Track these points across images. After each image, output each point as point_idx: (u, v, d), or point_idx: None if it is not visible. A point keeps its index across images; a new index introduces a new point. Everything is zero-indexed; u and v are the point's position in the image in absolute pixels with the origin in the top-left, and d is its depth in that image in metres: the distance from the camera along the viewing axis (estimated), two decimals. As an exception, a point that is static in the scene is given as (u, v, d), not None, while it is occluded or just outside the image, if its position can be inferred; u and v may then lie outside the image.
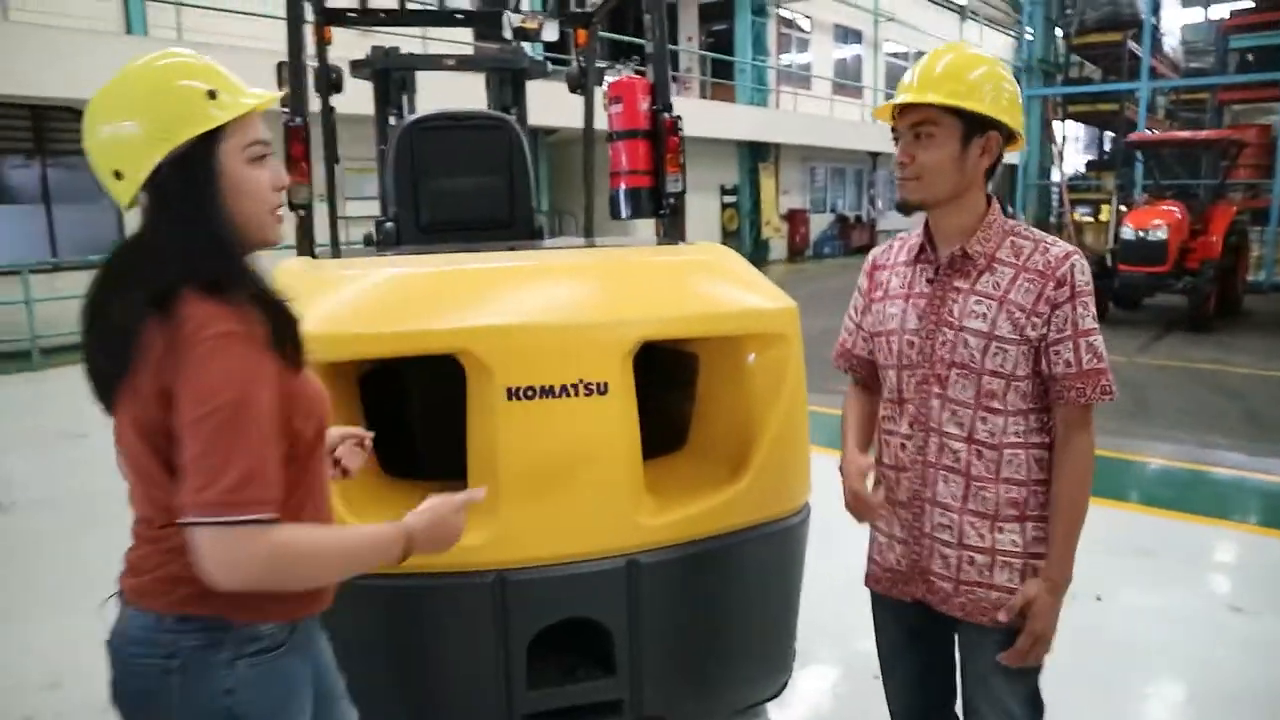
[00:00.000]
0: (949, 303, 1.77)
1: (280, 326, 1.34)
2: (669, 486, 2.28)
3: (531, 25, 4.21)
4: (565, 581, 2.07)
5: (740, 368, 2.35)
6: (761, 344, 2.32)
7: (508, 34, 4.04)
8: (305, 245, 2.88)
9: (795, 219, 23.01)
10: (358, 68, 4.68)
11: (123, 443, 1.34)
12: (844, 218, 25.33)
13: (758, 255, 21.97)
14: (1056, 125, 17.73)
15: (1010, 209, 24.88)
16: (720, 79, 20.94)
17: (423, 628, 2.07)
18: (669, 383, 2.61)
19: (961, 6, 30.36)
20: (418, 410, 2.53)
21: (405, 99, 5.08)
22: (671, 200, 3.14)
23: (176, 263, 1.29)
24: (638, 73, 3.34)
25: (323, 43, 4.01)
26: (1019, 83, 11.75)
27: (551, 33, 4.07)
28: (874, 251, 2.02)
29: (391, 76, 4.81)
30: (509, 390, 1.99)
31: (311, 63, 4.10)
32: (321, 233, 3.18)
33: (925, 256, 1.83)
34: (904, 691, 2.00)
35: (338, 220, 4.31)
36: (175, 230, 1.31)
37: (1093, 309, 1.71)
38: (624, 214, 3.20)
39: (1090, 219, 16.54)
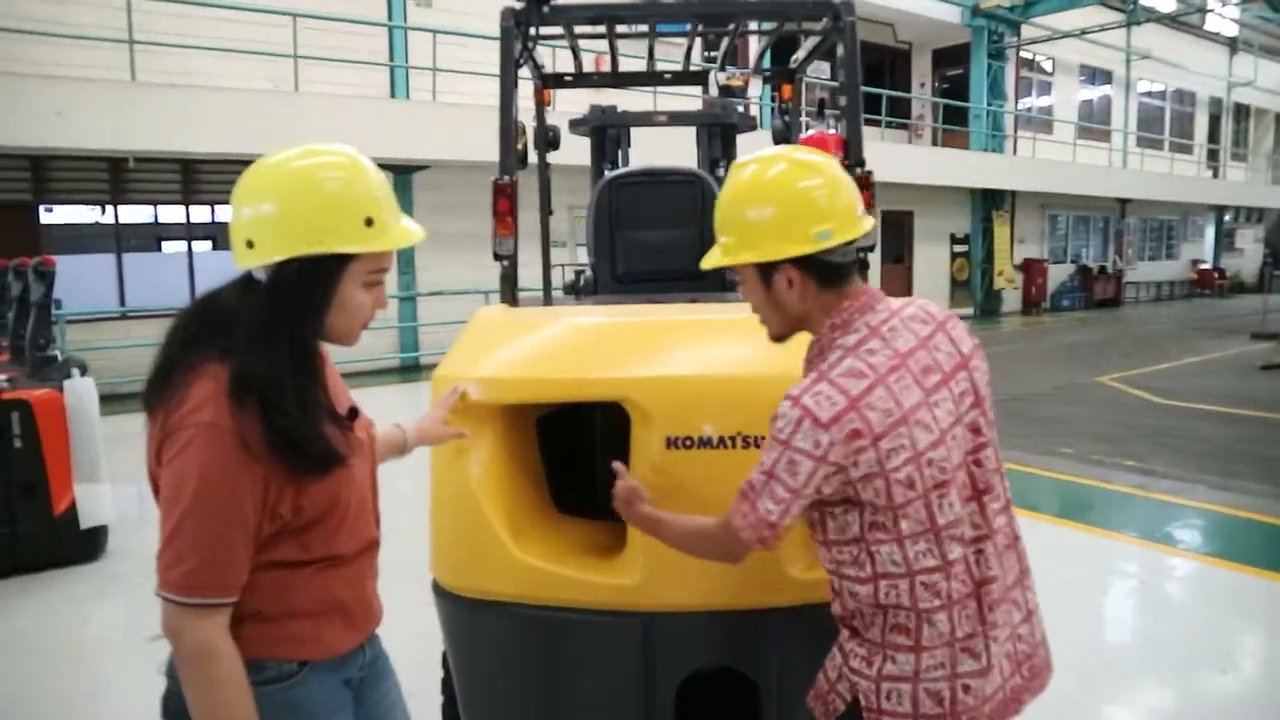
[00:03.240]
0: None
1: (280, 439, 1.37)
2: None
3: (737, 82, 4.34)
4: (713, 630, 2.11)
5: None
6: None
7: (714, 91, 4.18)
8: (508, 293, 3.11)
9: (1031, 269, 21.79)
10: (575, 125, 4.98)
11: (150, 473, 1.44)
12: (1086, 268, 23.70)
13: (989, 307, 20.98)
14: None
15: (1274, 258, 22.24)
16: (955, 125, 20.32)
17: (569, 662, 2.16)
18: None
19: (1231, 38, 27.74)
20: (591, 451, 2.65)
21: (620, 153, 5.34)
22: (862, 254, 3.13)
23: (245, 338, 1.38)
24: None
25: (541, 104, 4.31)
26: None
27: (756, 89, 4.16)
28: None
29: (607, 133, 5.07)
30: (668, 439, 2.07)
31: (532, 122, 4.42)
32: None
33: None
34: None
35: (550, 269, 4.59)
36: (268, 315, 1.39)
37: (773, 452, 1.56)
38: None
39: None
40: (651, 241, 3.37)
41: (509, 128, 3.19)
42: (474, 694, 2.28)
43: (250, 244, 1.40)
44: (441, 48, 12.14)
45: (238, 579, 1.40)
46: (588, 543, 2.33)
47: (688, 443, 2.06)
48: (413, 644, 2.36)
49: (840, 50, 3.09)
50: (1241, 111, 30.06)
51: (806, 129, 3.22)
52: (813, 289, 1.62)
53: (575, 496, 2.66)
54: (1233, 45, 28.04)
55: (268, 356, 1.38)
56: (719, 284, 3.48)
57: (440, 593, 2.29)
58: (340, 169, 1.46)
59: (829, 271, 1.61)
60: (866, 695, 1.61)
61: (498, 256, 3.08)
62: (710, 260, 1.71)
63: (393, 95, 12.68)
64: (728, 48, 4.10)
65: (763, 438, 2.07)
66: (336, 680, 1.59)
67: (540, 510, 2.40)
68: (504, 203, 3.10)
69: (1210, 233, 29.21)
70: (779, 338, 1.76)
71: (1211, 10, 25.15)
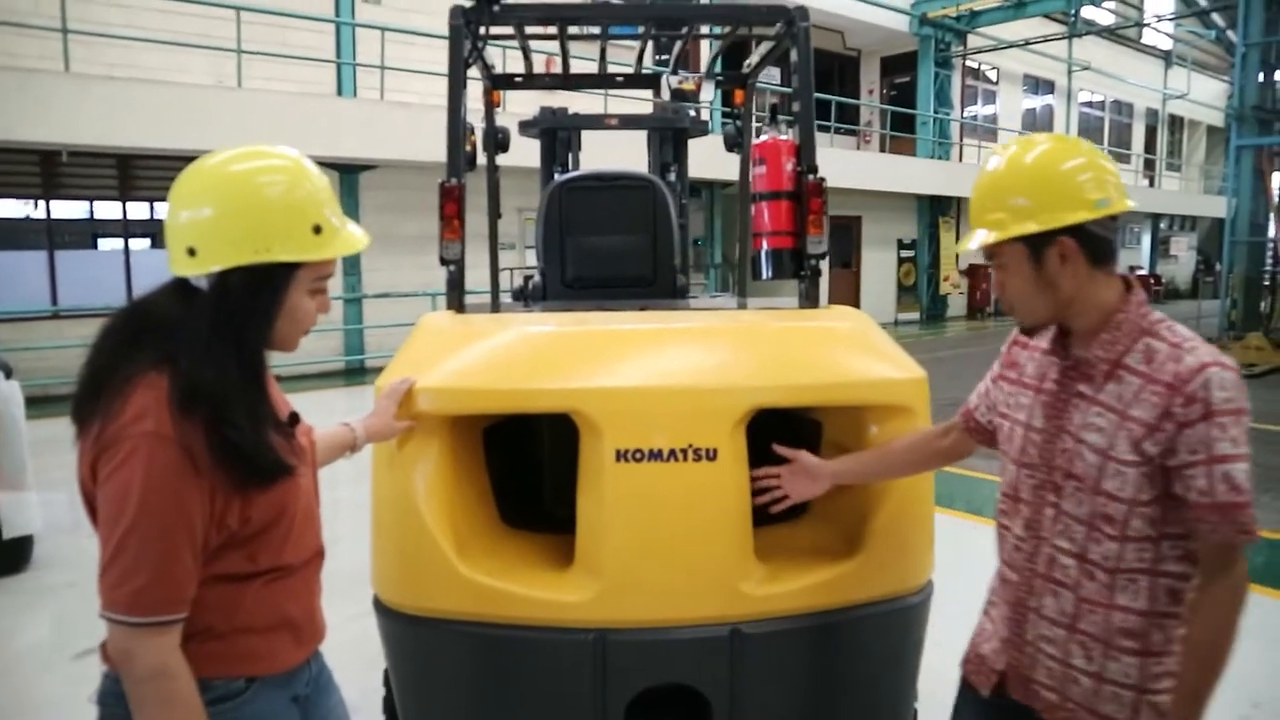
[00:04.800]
0: (1070, 408, 1.61)
1: (230, 451, 1.34)
2: (782, 556, 2.24)
3: (689, 86, 4.31)
4: (666, 646, 2.06)
5: (863, 438, 2.29)
6: (884, 415, 2.25)
7: (666, 95, 4.15)
8: (455, 299, 3.03)
9: (977, 275, 22.15)
10: (525, 127, 4.91)
11: (83, 488, 1.38)
12: (1030, 274, 24.14)
13: (935, 311, 21.30)
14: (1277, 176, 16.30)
15: (1216, 266, 23.02)
16: (902, 132, 20.60)
17: (517, 681, 2.11)
18: (795, 448, 2.56)
19: (1166, 52, 28.58)
20: (539, 464, 2.60)
21: (570, 156, 5.29)
22: (813, 262, 3.11)
23: (191, 349, 1.33)
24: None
25: (490, 105, 4.24)
26: (1234, 132, 10.87)
27: (708, 94, 4.14)
28: None
29: (558, 135, 5.01)
30: (618, 452, 2.02)
31: (482, 123, 4.35)
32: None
33: (1057, 349, 1.68)
34: None
35: (498, 272, 4.52)
36: (215, 325, 1.35)
37: (1234, 431, 1.45)
38: (765, 275, 3.19)
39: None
40: (602, 247, 3.32)
41: (458, 129, 3.12)
42: (417, 714, 2.21)
43: (192, 251, 1.35)
44: (390, 46, 11.96)
45: (187, 593, 1.35)
46: (536, 558, 2.27)
47: (638, 455, 2.01)
48: (354, 659, 2.29)
49: (794, 56, 3.07)
50: (1176, 123, 30.94)
51: (759, 135, 3.19)
52: (1084, 266, 1.55)
53: (524, 510, 2.60)
54: (1168, 59, 28.86)
55: (216, 368, 1.34)
56: (670, 290, 3.44)
57: (382, 609, 2.21)
58: (284, 173, 1.42)
59: (1102, 247, 1.56)
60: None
61: (444, 261, 3.01)
62: (977, 240, 1.60)
63: (340, 93, 12.45)
64: (679, 52, 4.07)
65: (715, 450, 2.05)
66: (284, 697, 1.54)
67: (486, 524, 2.34)
68: (452, 206, 3.03)
69: (1147, 240, 29.98)
70: (1034, 328, 1.66)
71: (1148, 25, 25.85)
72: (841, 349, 2.29)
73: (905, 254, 20.99)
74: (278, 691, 1.52)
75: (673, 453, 2.02)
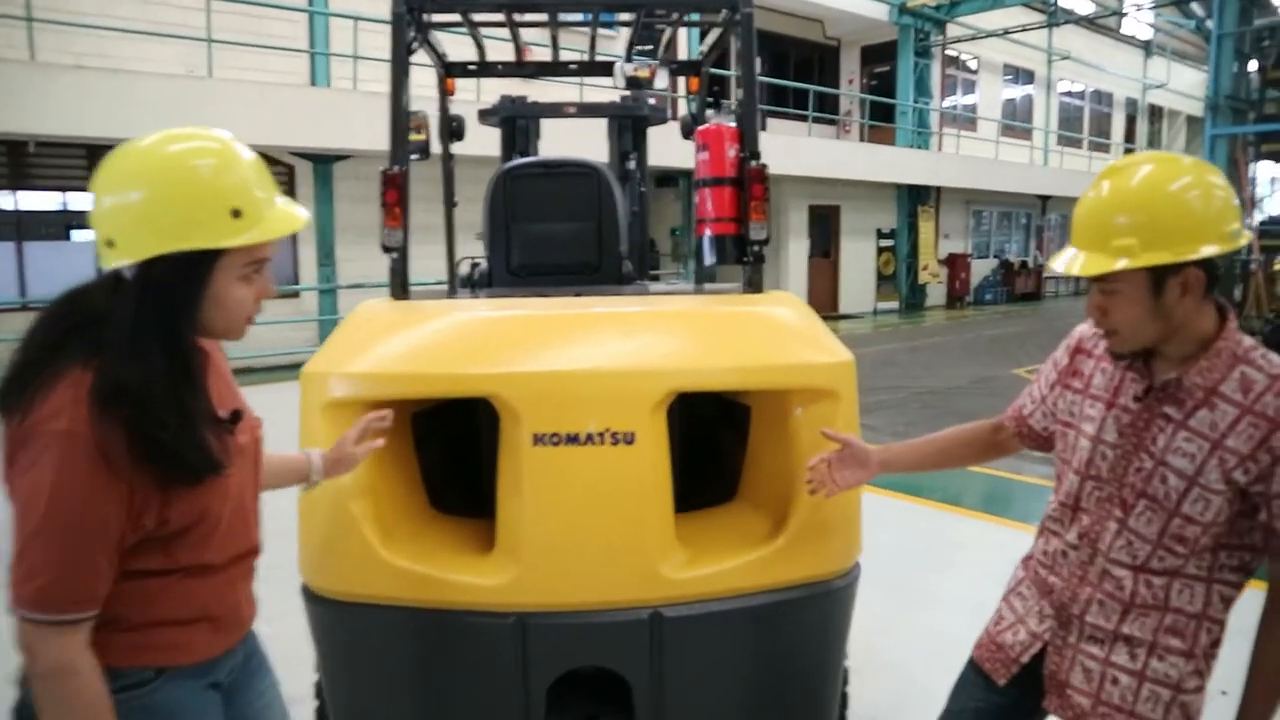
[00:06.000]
0: (1154, 430, 1.58)
1: (152, 449, 1.31)
2: (707, 539, 2.25)
3: (644, 74, 4.30)
4: (586, 629, 2.08)
5: (788, 422, 2.30)
6: (809, 398, 2.26)
7: (620, 82, 4.14)
8: (397, 287, 3.03)
9: (956, 264, 22.23)
10: (484, 116, 4.90)
11: (5, 478, 1.35)
12: (1008, 263, 24.28)
13: (914, 301, 21.37)
14: (1261, 165, 16.43)
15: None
16: (882, 121, 20.63)
17: (444, 661, 2.12)
18: (723, 434, 2.58)
19: (1146, 42, 28.68)
20: (466, 449, 2.61)
21: (531, 145, 5.28)
22: (756, 248, 3.12)
23: (115, 343, 1.30)
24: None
25: (444, 93, 4.24)
26: (1209, 122, 10.89)
27: (663, 81, 4.14)
28: (1081, 330, 1.81)
29: (517, 124, 5.00)
30: (535, 436, 2.03)
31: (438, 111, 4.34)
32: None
33: (1138, 368, 1.63)
34: None
35: (455, 261, 4.51)
36: (139, 318, 1.32)
37: None
38: (708, 261, 3.20)
39: (1291, 269, 15.15)
40: (546, 234, 3.32)
41: (399, 116, 3.11)
42: (342, 698, 2.22)
43: (110, 242, 1.32)
44: (363, 35, 11.89)
45: (97, 592, 1.33)
46: (464, 542, 2.28)
47: (555, 439, 2.02)
48: (302, 647, 2.30)
49: (738, 42, 3.08)
50: (1155, 113, 31.07)
51: (727, 117, 3.20)
52: (1199, 298, 1.51)
53: (459, 495, 2.61)
54: (1147, 49, 28.97)
55: (141, 363, 1.31)
56: (616, 277, 3.45)
57: (309, 596, 2.22)
58: (210, 155, 1.37)
59: (1217, 278, 1.53)
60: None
61: (386, 249, 3.01)
62: (1102, 265, 1.50)
63: (313, 83, 12.38)
64: (632, 38, 4.06)
65: (633, 434, 2.06)
66: (200, 685, 1.53)
67: (414, 509, 2.35)
68: (392, 193, 3.03)
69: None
70: (1131, 355, 1.62)
71: (1127, 14, 25.93)
72: (766, 333, 2.30)
73: (884, 243, 21.04)
74: (193, 680, 1.51)
75: (590, 436, 2.03)
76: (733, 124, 3.22)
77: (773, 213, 20.11)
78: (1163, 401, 1.58)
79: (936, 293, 22.16)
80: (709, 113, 3.97)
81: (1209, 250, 1.46)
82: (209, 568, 1.49)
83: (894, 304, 21.04)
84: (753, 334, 2.29)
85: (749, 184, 3.10)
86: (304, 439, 2.16)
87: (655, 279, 6.77)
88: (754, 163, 3.09)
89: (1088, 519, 1.68)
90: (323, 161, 12.17)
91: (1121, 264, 1.48)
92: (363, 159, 12.23)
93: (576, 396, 2.04)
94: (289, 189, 12.45)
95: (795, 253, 18.78)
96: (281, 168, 12.26)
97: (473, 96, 10.84)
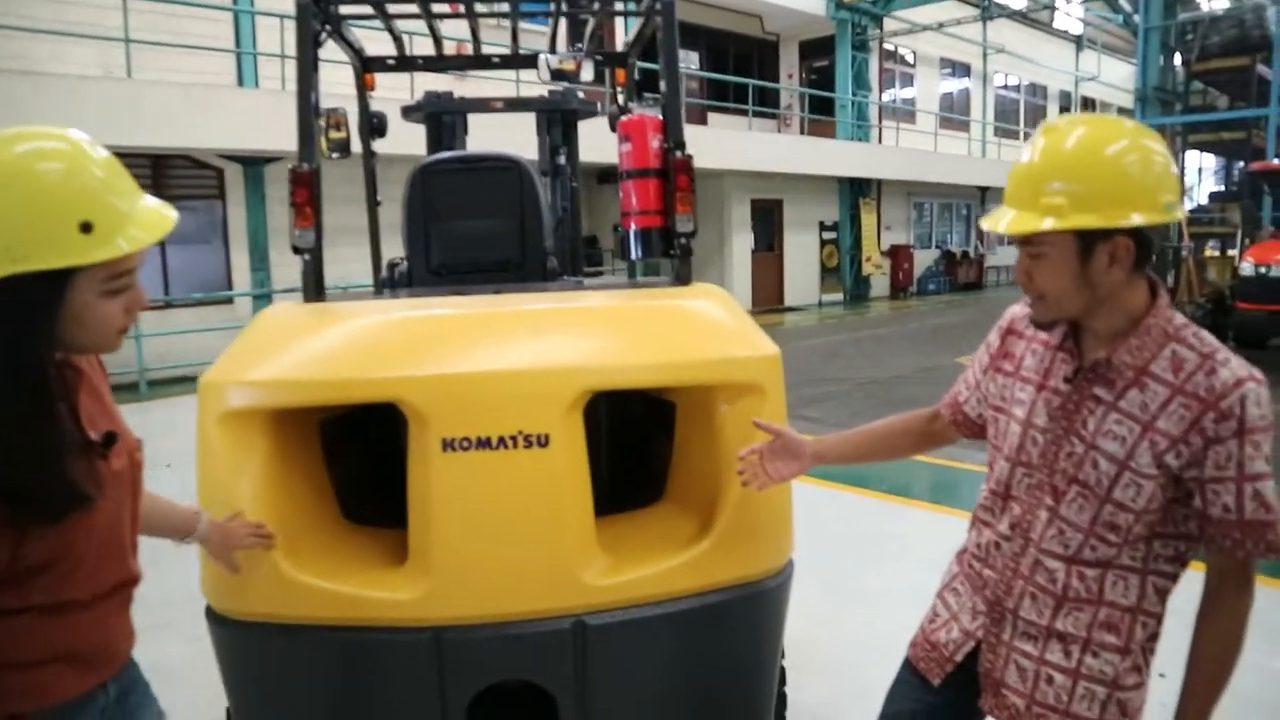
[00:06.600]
0: (1084, 412, 1.52)
1: (3, 486, 1.20)
2: (632, 543, 2.17)
3: (569, 66, 4.20)
4: (505, 642, 1.98)
5: (713, 419, 2.22)
6: (733, 394, 2.19)
7: (545, 75, 4.04)
8: (310, 289, 2.90)
9: (898, 255, 22.48)
10: (408, 112, 4.77)
11: None
12: (950, 253, 24.61)
13: (858, 292, 21.54)
14: (1189, 155, 16.90)
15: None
16: (822, 115, 20.76)
17: (357, 682, 2.01)
18: (651, 433, 2.50)
19: (1077, 36, 29.32)
20: (384, 457, 2.49)
21: (457, 142, 5.16)
22: (683, 241, 3.05)
23: None
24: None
25: (363, 89, 4.11)
26: (1138, 113, 11.09)
27: (589, 73, 4.05)
28: (1013, 310, 1.75)
29: (443, 120, 4.88)
30: (444, 441, 1.93)
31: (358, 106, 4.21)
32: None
33: (1068, 347, 1.58)
34: None
35: (379, 261, 4.37)
36: None
37: (1267, 449, 1.41)
38: (634, 254, 3.12)
39: (1217, 254, 15.54)
40: (466, 231, 3.21)
41: (306, 112, 2.99)
42: (250, 724, 2.10)
43: None
44: (292, 33, 11.59)
45: None
46: (377, 555, 2.17)
47: (465, 444, 1.92)
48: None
49: (660, 33, 3.00)
50: (1088, 105, 31.75)
51: (651, 110, 3.12)
52: (1127, 269, 1.44)
53: (377, 505, 2.49)
54: (1079, 42, 29.60)
55: None
56: (541, 273, 3.35)
57: (211, 616, 2.09)
58: (53, 158, 1.20)
59: (1148, 251, 1.45)
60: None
61: (296, 250, 2.88)
62: (1029, 224, 1.43)
63: (240, 83, 12.05)
64: (554, 29, 3.97)
65: (546, 436, 1.96)
66: None
67: (323, 522, 2.23)
68: (302, 192, 2.91)
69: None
70: (1052, 324, 1.56)
71: (1058, 8, 26.46)
72: (687, 328, 2.23)
73: (828, 236, 21.18)
74: None
75: (501, 440, 1.93)
76: (658, 115, 3.14)
77: (715, 207, 20.24)
78: (1093, 382, 1.53)
79: (880, 284, 22.37)
80: (631, 104, 3.90)
81: (1139, 218, 1.39)
82: (72, 604, 1.35)
83: (839, 296, 21.20)
84: (672, 329, 2.21)
85: (674, 175, 3.02)
86: (200, 452, 2.04)
87: (595, 275, 6.69)
88: (679, 153, 3.02)
89: (1019, 508, 1.62)
90: (253, 164, 11.85)
91: (1048, 224, 1.41)
92: (294, 160, 11.92)
93: (485, 399, 1.94)
94: (218, 192, 12.12)
95: (739, 247, 18.81)
96: (210, 171, 11.93)
97: (406, 95, 10.65)
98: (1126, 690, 1.56)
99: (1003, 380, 1.70)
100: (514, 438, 1.93)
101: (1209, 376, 1.42)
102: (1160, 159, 1.43)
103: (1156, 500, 1.47)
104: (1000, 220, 1.48)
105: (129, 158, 11.05)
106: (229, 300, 12.07)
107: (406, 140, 4.94)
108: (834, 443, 1.99)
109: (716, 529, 2.13)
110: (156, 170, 11.58)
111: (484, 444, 1.93)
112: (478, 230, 3.23)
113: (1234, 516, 1.43)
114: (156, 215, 1.29)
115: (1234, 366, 1.43)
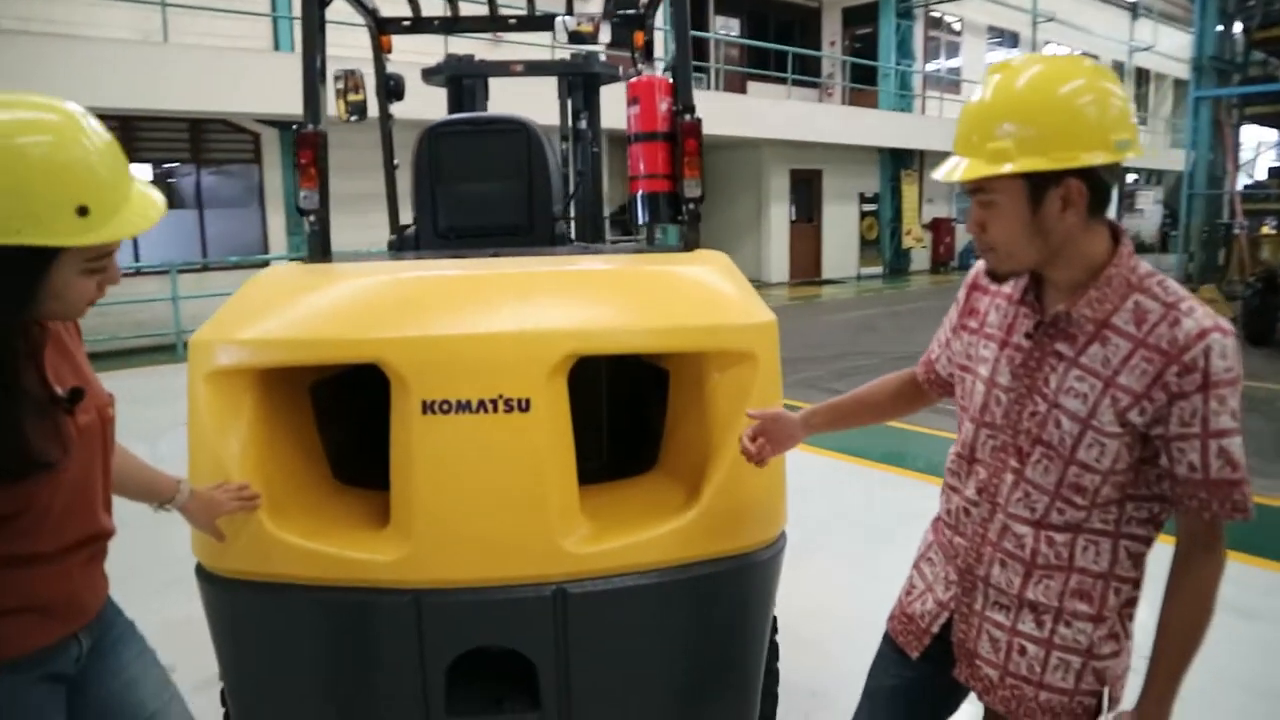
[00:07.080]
0: (1045, 369, 1.46)
1: None
2: (618, 511, 2.14)
3: (587, 29, 4.13)
4: (485, 607, 1.96)
5: (705, 386, 2.18)
6: (727, 361, 2.14)
7: (562, 38, 3.98)
8: (316, 251, 2.90)
9: (940, 228, 22.09)
10: (428, 75, 4.74)
11: None
12: (993, 227, 24.13)
13: (898, 265, 21.25)
14: (1247, 129, 16.27)
15: (1173, 219, 22.98)
16: (864, 85, 20.37)
17: (339, 642, 2.02)
18: (646, 400, 2.46)
19: (1133, 3, 28.39)
20: (375, 418, 2.49)
21: (477, 106, 5.12)
22: (691, 206, 2.99)
23: None
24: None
25: (379, 50, 4.09)
26: (1193, 84, 10.71)
27: (607, 35, 3.98)
28: (980, 265, 1.63)
29: (463, 84, 4.83)
30: (424, 403, 1.90)
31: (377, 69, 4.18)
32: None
33: (1029, 301, 1.51)
34: None
35: (398, 224, 4.36)
36: None
37: (1233, 404, 1.34)
38: (641, 219, 3.07)
39: (1275, 232, 15.03)
40: (474, 194, 3.18)
41: (312, 74, 2.98)
42: (235, 681, 2.11)
43: None
44: (328, -3, 11.59)
45: None
46: (364, 516, 2.16)
47: (445, 407, 1.90)
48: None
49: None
50: (1142, 76, 30.82)
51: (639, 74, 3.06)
52: (1082, 214, 1.37)
53: (368, 466, 2.48)
54: (1134, 10, 28.65)
55: None
56: (549, 237, 3.31)
57: (201, 574, 2.11)
58: (50, 131, 1.21)
59: (1104, 194, 1.38)
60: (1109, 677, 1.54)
61: (302, 211, 2.89)
62: (977, 171, 1.37)
63: (276, 48, 12.09)
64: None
65: (528, 400, 1.93)
66: (32, 678, 1.41)
67: (311, 483, 2.23)
68: (307, 153, 2.91)
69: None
70: (1007, 275, 1.48)
71: (1113, -26, 25.67)
72: (679, 293, 2.17)
73: (868, 208, 20.87)
74: (22, 674, 1.39)
75: (482, 404, 1.90)
76: (665, 76, 3.08)
77: (753, 177, 19.99)
78: (1054, 338, 1.46)
79: (921, 258, 22.03)
80: (641, 67, 3.83)
81: (1090, 158, 1.31)
82: (37, 556, 1.37)
83: (878, 269, 20.92)
84: (664, 294, 2.16)
85: (683, 139, 2.96)
86: (190, 410, 2.04)
87: (620, 241, 6.63)
88: (688, 117, 2.95)
89: (985, 471, 1.56)
90: (289, 128, 11.91)
91: (1003, 169, 1.34)
92: (332, 125, 11.96)
93: (466, 361, 1.91)
94: (255, 156, 12.22)
95: (777, 218, 18.60)
96: (247, 135, 12.02)
97: (432, 59, 10.62)
98: (1103, 659, 1.51)
99: (968, 338, 1.64)
100: (494, 401, 1.91)
101: (1172, 328, 1.35)
102: (1118, 100, 1.36)
103: (1123, 460, 1.40)
104: (954, 171, 1.40)
105: (166, 121, 11.19)
106: (265, 263, 12.20)
107: (431, 105, 4.91)
108: (824, 411, 1.96)
109: (703, 499, 2.09)
110: (194, 134, 11.69)
111: (464, 407, 1.90)
112: (485, 194, 3.20)
113: (1199, 475, 1.36)
114: (148, 202, 1.30)
115: (1198, 316, 1.35)
